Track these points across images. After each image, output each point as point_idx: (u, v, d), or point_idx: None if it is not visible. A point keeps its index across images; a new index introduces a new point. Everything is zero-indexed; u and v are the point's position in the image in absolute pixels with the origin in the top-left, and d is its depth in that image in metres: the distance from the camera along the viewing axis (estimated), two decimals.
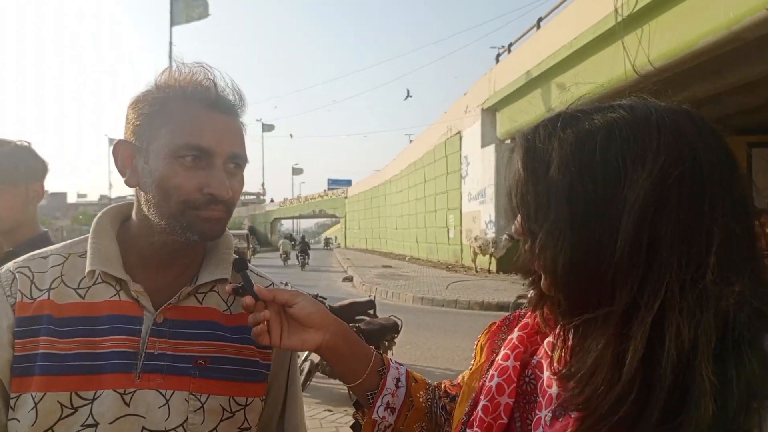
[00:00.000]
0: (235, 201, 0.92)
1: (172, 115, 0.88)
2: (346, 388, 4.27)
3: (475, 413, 0.73)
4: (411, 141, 35.80)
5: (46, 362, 0.84)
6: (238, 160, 0.92)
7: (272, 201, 68.79)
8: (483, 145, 19.25)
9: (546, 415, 0.66)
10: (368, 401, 0.91)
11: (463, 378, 0.89)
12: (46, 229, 1.75)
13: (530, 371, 0.73)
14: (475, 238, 17.89)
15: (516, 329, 0.79)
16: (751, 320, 0.54)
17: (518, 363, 0.74)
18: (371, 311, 7.76)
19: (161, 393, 0.86)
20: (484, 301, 11.32)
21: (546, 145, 0.63)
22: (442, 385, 0.97)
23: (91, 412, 0.84)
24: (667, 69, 9.56)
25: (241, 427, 0.93)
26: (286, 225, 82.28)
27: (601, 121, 0.61)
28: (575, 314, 0.61)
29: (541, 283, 0.66)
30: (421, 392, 0.93)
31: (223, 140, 0.89)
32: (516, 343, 0.76)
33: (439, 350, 7.70)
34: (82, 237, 0.97)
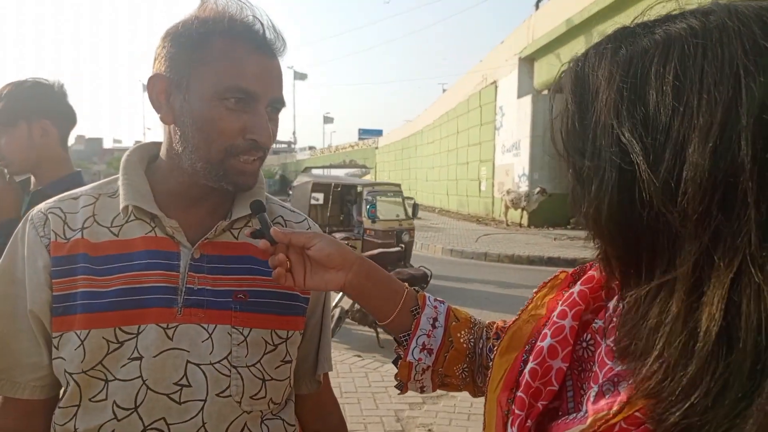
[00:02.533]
0: (271, 144, 0.90)
1: (217, 54, 0.84)
2: (374, 334, 4.38)
3: (522, 376, 0.65)
4: (444, 90, 35.05)
5: (88, 300, 0.84)
6: (278, 105, 0.91)
7: (310, 149, 68.91)
8: (519, 96, 18.72)
9: (593, 389, 0.57)
10: (403, 342, 0.88)
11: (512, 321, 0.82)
12: (80, 170, 1.75)
13: (589, 335, 0.65)
14: (507, 192, 17.65)
15: (579, 283, 0.69)
16: None
17: (576, 323, 0.65)
18: (401, 262, 7.84)
19: (203, 327, 0.87)
20: (514, 255, 11.27)
21: (596, 69, 0.54)
22: (494, 326, 0.90)
23: (136, 346, 0.84)
24: None
25: (283, 359, 0.93)
26: (316, 174, 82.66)
27: (661, 36, 0.50)
28: (628, 277, 0.53)
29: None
30: (463, 332, 0.88)
31: (267, 84, 0.87)
32: (576, 298, 0.67)
33: (468, 300, 7.76)
34: (111, 178, 0.97)
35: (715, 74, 0.45)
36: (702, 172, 0.45)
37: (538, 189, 15.79)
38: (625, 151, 0.49)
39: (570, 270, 0.77)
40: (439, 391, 3.49)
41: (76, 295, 0.85)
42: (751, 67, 0.44)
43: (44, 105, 1.63)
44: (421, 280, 6.51)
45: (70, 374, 0.84)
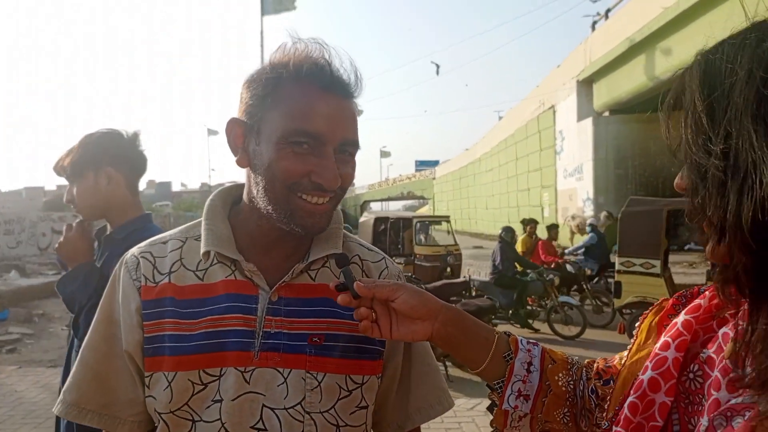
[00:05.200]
0: (345, 188, 0.89)
1: (285, 97, 0.84)
2: (444, 368, 4.26)
3: (621, 411, 0.62)
4: (500, 118, 34.82)
5: (175, 343, 0.86)
6: (351, 147, 0.88)
7: (369, 186, 69.61)
8: (579, 119, 18.34)
9: (704, 422, 0.53)
10: (497, 389, 0.84)
11: (620, 359, 0.77)
12: (149, 212, 1.82)
13: (697, 366, 0.60)
14: (572, 217, 17.15)
15: (683, 313, 0.65)
16: None
17: (681, 354, 0.61)
18: (465, 292, 7.74)
19: (279, 371, 0.86)
20: None
21: (732, 62, 0.49)
22: (594, 365, 0.85)
23: (218, 389, 0.85)
24: None
25: (358, 405, 0.91)
26: (375, 207, 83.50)
27: None
28: (762, 299, 0.48)
29: (710, 249, 0.53)
30: (560, 374, 0.84)
31: (336, 126, 0.84)
32: (681, 329, 0.63)
33: (538, 331, 7.54)
34: (197, 221, 0.98)
35: None
36: None
37: (604, 213, 15.25)
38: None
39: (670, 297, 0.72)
40: None
41: (164, 337, 0.88)
42: None
43: (109, 153, 1.71)
44: (489, 311, 6.38)
45: (160, 414, 0.86)
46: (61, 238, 1.70)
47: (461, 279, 7.97)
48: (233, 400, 0.84)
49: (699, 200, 0.52)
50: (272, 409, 0.85)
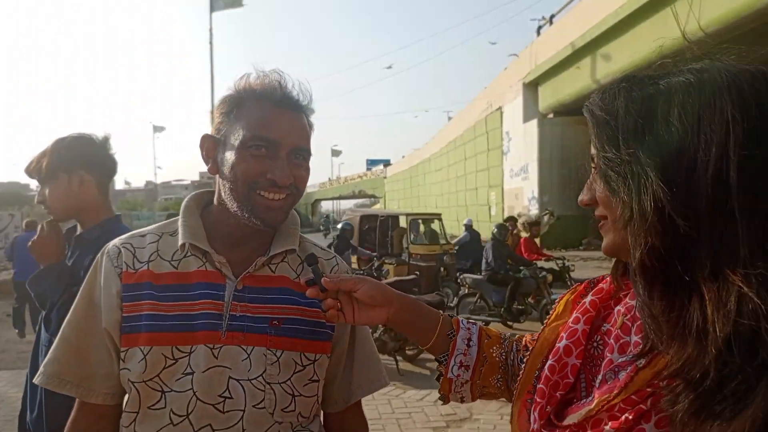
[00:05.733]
0: (300, 189, 1.04)
1: (245, 112, 1.02)
2: (395, 363, 4.46)
3: (542, 372, 0.77)
4: (450, 119, 35.45)
5: (151, 321, 0.99)
6: (303, 153, 1.04)
7: (336, 181, 69.41)
8: (525, 120, 18.95)
9: (599, 379, 0.68)
10: (443, 361, 0.99)
11: (539, 334, 0.93)
12: (119, 214, 1.89)
13: (599, 337, 0.76)
14: (518, 215, 17.70)
15: (590, 294, 0.81)
16: None
17: (588, 327, 0.76)
18: (415, 289, 7.89)
19: (243, 348, 1.00)
20: None
21: (614, 101, 0.65)
22: (523, 339, 1.02)
23: (189, 363, 0.97)
24: (719, 34, 9.16)
25: (311, 379, 1.05)
26: (326, 206, 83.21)
27: (664, 86, 0.62)
28: (655, 280, 0.61)
29: (608, 243, 0.69)
30: (495, 347, 1.00)
31: (288, 134, 1.01)
32: (588, 307, 0.79)
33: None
34: (172, 219, 1.13)
35: (711, 119, 0.58)
36: (706, 191, 0.56)
37: (545, 212, 15.82)
38: (645, 164, 0.60)
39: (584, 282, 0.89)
40: (461, 414, 3.56)
41: (142, 316, 1.00)
42: (738, 116, 0.57)
43: (82, 157, 1.76)
44: (438, 306, 6.54)
45: (133, 382, 0.98)
46: (35, 238, 1.75)
47: (411, 276, 8.08)
48: (203, 372, 0.97)
49: (608, 201, 0.66)
50: (237, 380, 0.98)
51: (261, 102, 1.02)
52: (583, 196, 0.73)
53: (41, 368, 1.04)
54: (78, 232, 1.80)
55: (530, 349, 0.95)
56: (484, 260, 8.30)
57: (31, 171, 1.75)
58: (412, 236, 10.94)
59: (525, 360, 0.85)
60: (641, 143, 0.61)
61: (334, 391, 1.15)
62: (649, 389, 0.61)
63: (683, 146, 0.59)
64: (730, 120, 0.57)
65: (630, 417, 0.61)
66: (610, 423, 0.63)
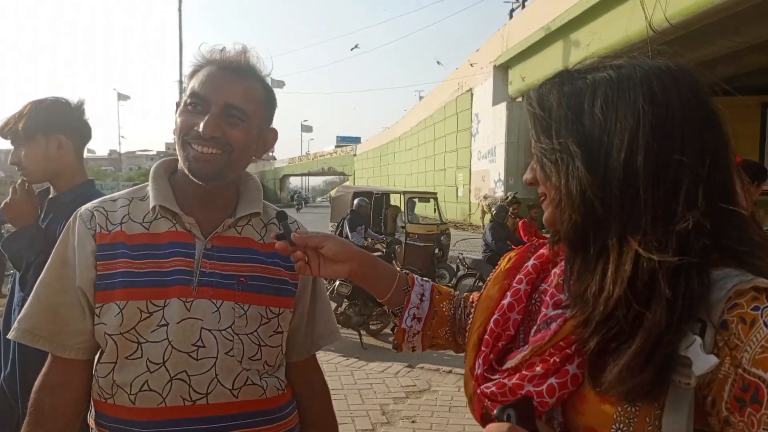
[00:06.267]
0: (233, 147, 1.09)
1: (195, 77, 1.10)
2: (357, 337, 4.59)
3: (488, 324, 0.87)
4: (421, 98, 35.42)
5: (126, 278, 1.05)
6: (236, 112, 1.08)
7: (305, 156, 68.25)
8: (494, 103, 19.10)
9: (534, 330, 0.81)
10: (398, 313, 1.09)
11: (483, 290, 1.03)
12: (92, 178, 1.92)
13: (538, 295, 0.87)
14: (484, 197, 17.98)
15: (532, 258, 0.92)
16: (706, 251, 0.66)
17: (529, 287, 0.88)
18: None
19: (213, 302, 1.08)
20: None
21: (548, 95, 0.77)
22: (470, 297, 1.12)
23: (163, 316, 1.05)
24: (684, 26, 9.41)
25: (275, 330, 1.15)
26: (295, 182, 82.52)
27: (590, 80, 0.73)
28: (576, 247, 0.73)
29: (547, 217, 0.79)
30: (445, 303, 1.10)
31: (220, 91, 1.07)
32: (530, 269, 0.90)
33: None
34: (140, 185, 1.19)
35: (626, 110, 0.69)
36: (618, 174, 0.68)
37: (506, 197, 16.03)
38: (573, 154, 0.71)
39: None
40: (420, 386, 3.71)
41: (117, 274, 1.06)
42: (647, 107, 0.68)
43: (60, 121, 1.79)
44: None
45: (110, 335, 1.05)
46: (7, 199, 1.76)
47: (379, 252, 8.20)
48: (177, 323, 1.05)
49: (545, 181, 0.77)
50: (209, 330, 1.07)
51: (206, 66, 1.10)
52: (527, 176, 0.83)
53: (15, 324, 1.09)
54: (51, 195, 1.83)
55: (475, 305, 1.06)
56: (482, 241, 8.49)
57: (5, 132, 1.75)
58: (412, 215, 10.64)
59: (471, 315, 0.94)
60: (570, 134, 0.72)
61: (298, 342, 1.25)
62: (573, 337, 0.72)
63: (603, 134, 0.69)
64: (641, 111, 0.68)
65: (557, 360, 0.73)
66: (541, 365, 0.74)
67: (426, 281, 1.12)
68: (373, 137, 46.31)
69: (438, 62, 33.46)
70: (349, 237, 8.81)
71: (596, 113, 0.70)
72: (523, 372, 0.76)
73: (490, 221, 8.65)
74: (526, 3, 18.34)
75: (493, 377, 0.81)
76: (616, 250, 0.68)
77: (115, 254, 1.07)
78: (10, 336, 1.09)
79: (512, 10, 19.86)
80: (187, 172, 1.08)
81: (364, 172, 47.80)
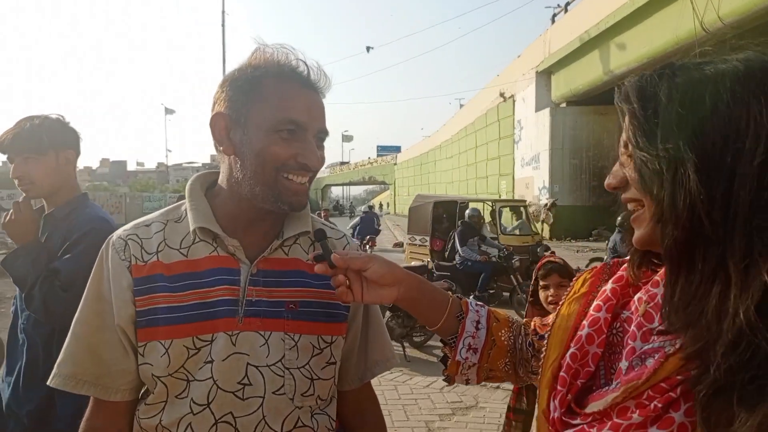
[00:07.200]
0: (318, 170, 1.02)
1: (270, 92, 0.97)
2: (402, 349, 4.46)
3: (564, 359, 0.76)
4: (462, 106, 35.17)
5: (168, 314, 0.96)
6: (324, 134, 1.02)
7: (346, 166, 69.20)
8: (537, 109, 18.79)
9: (625, 366, 0.68)
10: (451, 343, 0.98)
11: (553, 318, 0.90)
12: (86, 192, 1.92)
13: (619, 324, 0.75)
14: (529, 204, 17.63)
15: (610, 281, 0.81)
16: None
17: (609, 315, 0.76)
18: (424, 275, 7.91)
19: (261, 334, 0.98)
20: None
21: (656, 87, 0.64)
22: (532, 323, 1.01)
23: (210, 352, 0.96)
24: (738, 25, 9.01)
25: (329, 361, 1.04)
26: (336, 192, 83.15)
27: (711, 72, 0.61)
28: (680, 267, 0.62)
29: (639, 237, 0.67)
30: (503, 331, 0.99)
31: (314, 116, 0.99)
32: (609, 295, 0.78)
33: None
34: (175, 204, 1.10)
35: (759, 107, 0.57)
36: (750, 182, 0.56)
37: (545, 203, 15.57)
38: (684, 160, 0.59)
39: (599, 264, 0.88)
40: (467, 402, 3.55)
41: (158, 309, 0.96)
42: None
43: (68, 137, 1.82)
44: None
45: (158, 377, 0.96)
46: (9, 217, 1.74)
47: (420, 263, 8.09)
48: (223, 360, 0.95)
49: (644, 193, 0.65)
50: (256, 367, 0.97)
51: (284, 81, 0.98)
52: (611, 181, 0.71)
53: (55, 369, 1.01)
54: (47, 212, 1.82)
55: (540, 334, 0.96)
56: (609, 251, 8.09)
57: (10, 146, 1.74)
58: (502, 226, 9.80)
59: (544, 348, 0.84)
60: (684, 135, 0.60)
61: (350, 370, 1.14)
62: (678, 377, 0.60)
63: (730, 135, 0.57)
64: None
65: (659, 405, 0.61)
66: (637, 411, 0.62)
67: (481, 306, 1.02)
68: (414, 146, 46.24)
69: (367, 48, 31.17)
70: (460, 251, 8.42)
71: (721, 110, 0.58)
72: (616, 420, 0.64)
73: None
74: (568, 7, 17.99)
75: (573, 422, 0.70)
76: (740, 272, 0.56)
77: (154, 288, 0.98)
78: (50, 383, 1.00)
79: (554, 15, 19.51)
80: (277, 204, 0.98)
81: (404, 181, 47.76)
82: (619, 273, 0.81)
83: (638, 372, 0.64)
